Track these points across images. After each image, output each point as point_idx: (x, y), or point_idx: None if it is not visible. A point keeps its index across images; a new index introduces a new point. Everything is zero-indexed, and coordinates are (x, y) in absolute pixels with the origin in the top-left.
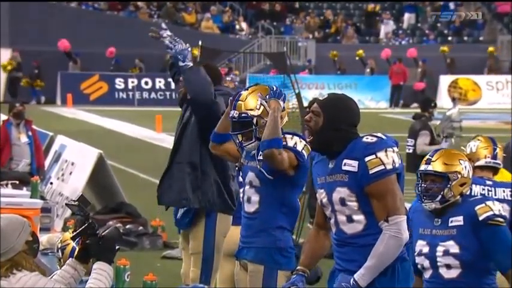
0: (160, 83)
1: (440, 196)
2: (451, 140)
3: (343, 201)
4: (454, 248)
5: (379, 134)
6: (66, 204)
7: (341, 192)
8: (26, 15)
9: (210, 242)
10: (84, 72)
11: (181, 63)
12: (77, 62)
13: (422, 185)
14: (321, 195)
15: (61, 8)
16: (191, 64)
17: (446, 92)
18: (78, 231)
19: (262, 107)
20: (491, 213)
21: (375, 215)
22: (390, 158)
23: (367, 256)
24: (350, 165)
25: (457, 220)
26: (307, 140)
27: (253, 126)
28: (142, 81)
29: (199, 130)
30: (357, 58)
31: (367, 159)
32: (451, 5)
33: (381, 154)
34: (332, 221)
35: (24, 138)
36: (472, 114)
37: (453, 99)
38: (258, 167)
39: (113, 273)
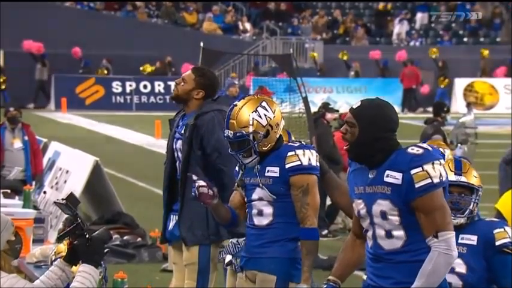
0: (159, 86)
1: (468, 211)
2: (464, 147)
3: (384, 215)
4: (460, 267)
5: (424, 145)
6: (54, 202)
7: (382, 205)
8: (17, 15)
9: (205, 251)
10: (80, 75)
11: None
12: (46, 64)
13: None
14: (359, 206)
15: (53, 7)
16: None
17: (462, 95)
18: (65, 231)
19: (255, 122)
20: (507, 240)
21: (418, 231)
22: (437, 171)
23: (403, 273)
24: (394, 177)
25: (470, 239)
26: (344, 148)
27: (251, 143)
28: (141, 85)
29: (204, 166)
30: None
31: (413, 172)
32: (467, 5)
33: (428, 167)
34: (369, 234)
35: (18, 144)
36: (488, 119)
37: (468, 105)
38: (260, 184)
39: (98, 276)
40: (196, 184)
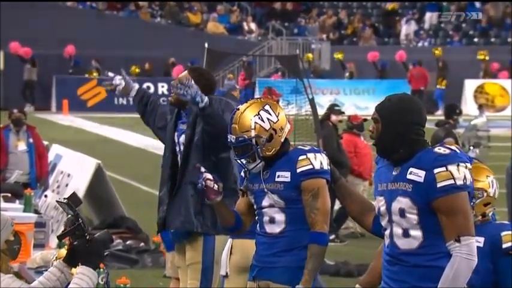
0: (163, 87)
1: None
2: (476, 150)
3: (402, 213)
4: None
5: (452, 147)
6: (56, 201)
7: (402, 202)
8: (18, 15)
9: (209, 250)
10: (81, 77)
11: (201, 105)
12: (35, 65)
13: None
14: (380, 202)
15: (55, 7)
16: (207, 99)
17: (472, 97)
18: (66, 231)
19: (257, 126)
20: None
21: (437, 234)
22: (462, 173)
23: (417, 277)
24: (416, 174)
25: (477, 240)
26: (372, 144)
27: (254, 148)
28: (144, 86)
29: (206, 148)
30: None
31: (436, 171)
32: (477, 4)
33: (452, 168)
34: (387, 232)
35: (22, 146)
36: (498, 121)
37: (479, 107)
38: (268, 190)
39: (96, 278)
40: (204, 176)
